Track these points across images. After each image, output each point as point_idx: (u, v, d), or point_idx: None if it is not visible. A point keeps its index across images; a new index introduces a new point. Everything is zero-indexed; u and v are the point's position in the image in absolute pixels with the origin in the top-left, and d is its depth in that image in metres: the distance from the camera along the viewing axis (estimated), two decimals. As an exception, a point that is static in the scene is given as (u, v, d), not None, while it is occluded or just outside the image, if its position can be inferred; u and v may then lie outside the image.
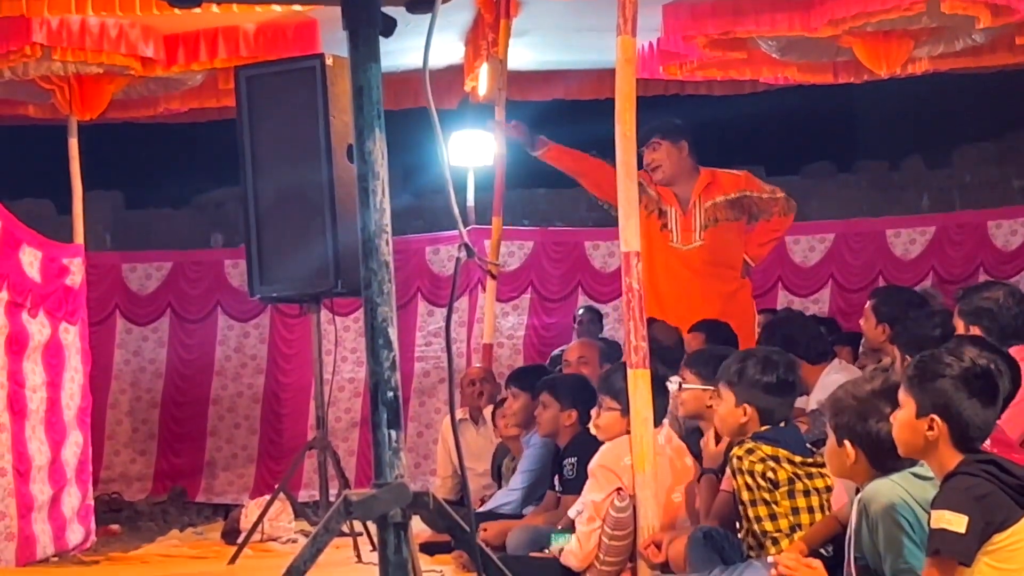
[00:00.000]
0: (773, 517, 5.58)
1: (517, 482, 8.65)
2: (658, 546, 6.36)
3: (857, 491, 4.77)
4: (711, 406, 6.73)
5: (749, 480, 5.61)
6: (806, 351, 7.98)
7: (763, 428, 5.87)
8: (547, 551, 7.20)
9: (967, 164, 14.77)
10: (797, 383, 6.11)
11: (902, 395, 4.39)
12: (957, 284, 11.09)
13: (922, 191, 14.39)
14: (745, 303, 9.42)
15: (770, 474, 5.61)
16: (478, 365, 10.61)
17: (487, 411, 9.87)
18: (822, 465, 5.68)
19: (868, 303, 8.22)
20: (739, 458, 5.65)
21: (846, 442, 4.76)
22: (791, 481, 5.62)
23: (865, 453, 4.72)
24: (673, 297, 9.11)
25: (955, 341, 5.44)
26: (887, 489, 4.54)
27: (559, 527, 7.37)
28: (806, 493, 5.63)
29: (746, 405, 5.94)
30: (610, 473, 6.70)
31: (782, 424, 5.94)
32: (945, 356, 4.37)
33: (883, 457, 4.66)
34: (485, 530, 7.87)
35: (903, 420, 4.35)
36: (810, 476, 5.67)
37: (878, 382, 4.79)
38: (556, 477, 7.93)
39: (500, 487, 8.98)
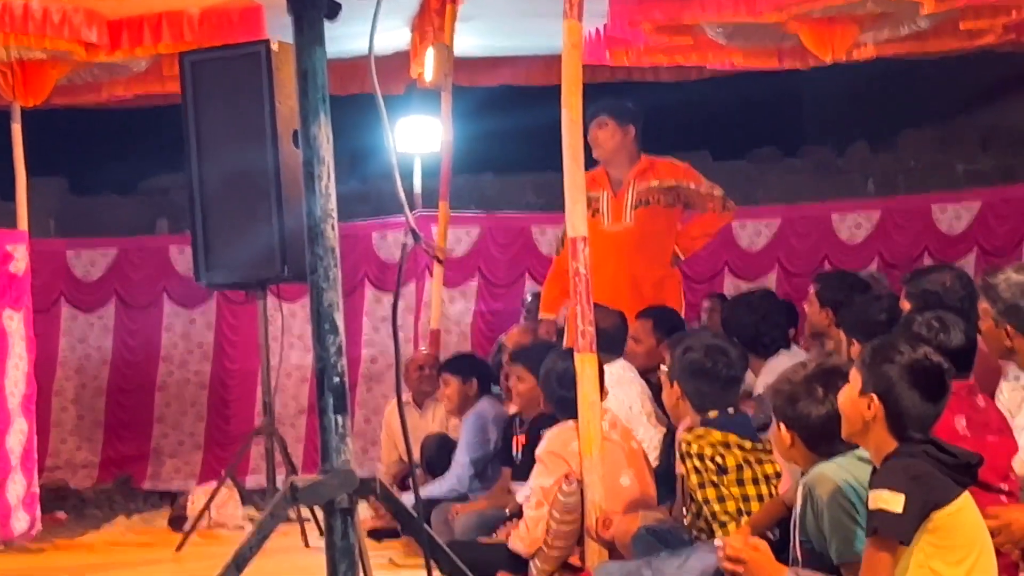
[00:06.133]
0: (721, 499, 5.60)
1: (461, 456, 8.64)
2: (607, 524, 6.38)
3: (802, 475, 4.80)
4: None
5: (698, 463, 5.63)
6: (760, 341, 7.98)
7: (710, 415, 5.90)
8: (495, 535, 7.21)
9: (912, 149, 14.83)
10: (732, 375, 6.12)
11: (852, 372, 4.43)
12: (902, 268, 11.15)
13: (867, 176, 14.44)
14: (673, 292, 9.37)
15: (719, 459, 5.63)
16: (424, 350, 10.58)
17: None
18: (771, 451, 5.71)
19: (811, 288, 8.25)
20: (688, 443, 5.68)
21: (781, 425, 4.82)
22: (740, 468, 5.64)
23: (800, 436, 4.76)
24: (602, 281, 9.07)
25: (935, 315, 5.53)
26: (831, 472, 4.57)
27: (507, 511, 7.38)
28: (755, 481, 5.65)
29: (677, 385, 6.03)
30: (558, 459, 6.70)
31: (730, 411, 5.96)
32: (900, 344, 4.41)
33: (817, 440, 4.72)
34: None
35: (848, 394, 4.39)
36: (759, 462, 5.70)
37: (813, 366, 4.84)
38: (517, 445, 7.93)
39: (433, 478, 8.94)
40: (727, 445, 5.65)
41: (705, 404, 5.95)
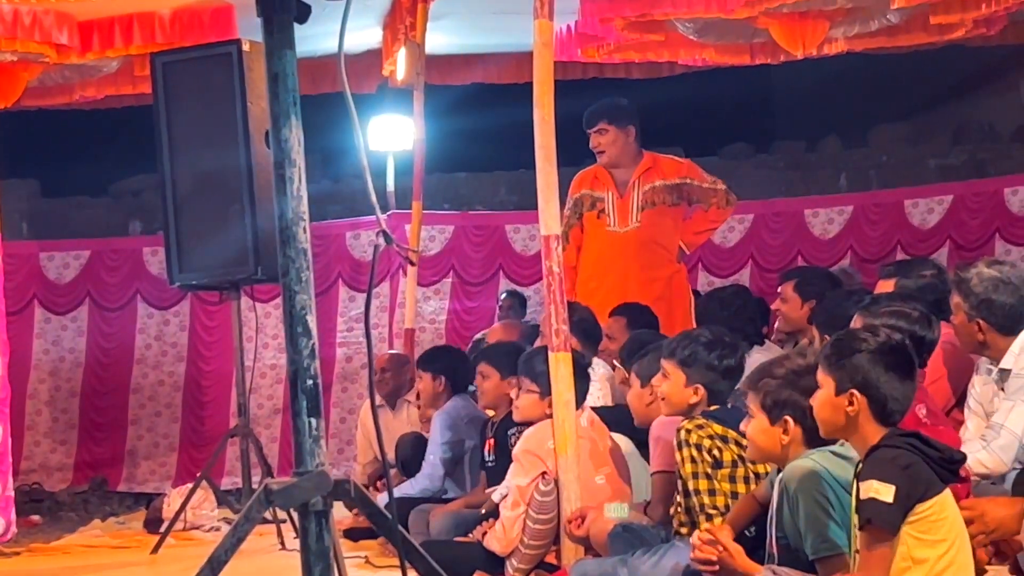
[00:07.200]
0: (712, 492, 5.56)
1: (432, 455, 8.60)
2: (583, 519, 6.36)
3: (778, 471, 4.80)
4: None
5: (694, 453, 5.59)
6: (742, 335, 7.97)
7: (711, 408, 5.87)
8: (471, 535, 7.19)
9: (883, 144, 14.88)
10: (743, 366, 6.12)
11: (820, 375, 4.42)
12: (875, 263, 11.18)
13: (839, 171, 14.48)
14: (682, 287, 9.44)
15: (715, 452, 5.59)
16: (389, 352, 10.53)
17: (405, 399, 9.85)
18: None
19: (787, 285, 8.17)
20: (687, 431, 5.62)
21: (788, 419, 4.76)
22: (734, 464, 5.59)
23: (804, 428, 4.70)
24: (613, 283, 9.12)
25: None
26: (807, 466, 4.58)
27: (483, 511, 7.36)
28: (746, 479, 5.60)
29: (698, 386, 5.93)
30: (534, 458, 6.69)
31: (728, 405, 5.94)
32: (861, 332, 4.43)
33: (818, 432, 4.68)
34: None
35: (823, 399, 4.38)
36: (753, 461, 5.67)
37: (812, 358, 4.79)
38: (488, 448, 7.90)
39: (408, 478, 8.90)
40: (725, 439, 5.61)
41: (717, 399, 5.92)
